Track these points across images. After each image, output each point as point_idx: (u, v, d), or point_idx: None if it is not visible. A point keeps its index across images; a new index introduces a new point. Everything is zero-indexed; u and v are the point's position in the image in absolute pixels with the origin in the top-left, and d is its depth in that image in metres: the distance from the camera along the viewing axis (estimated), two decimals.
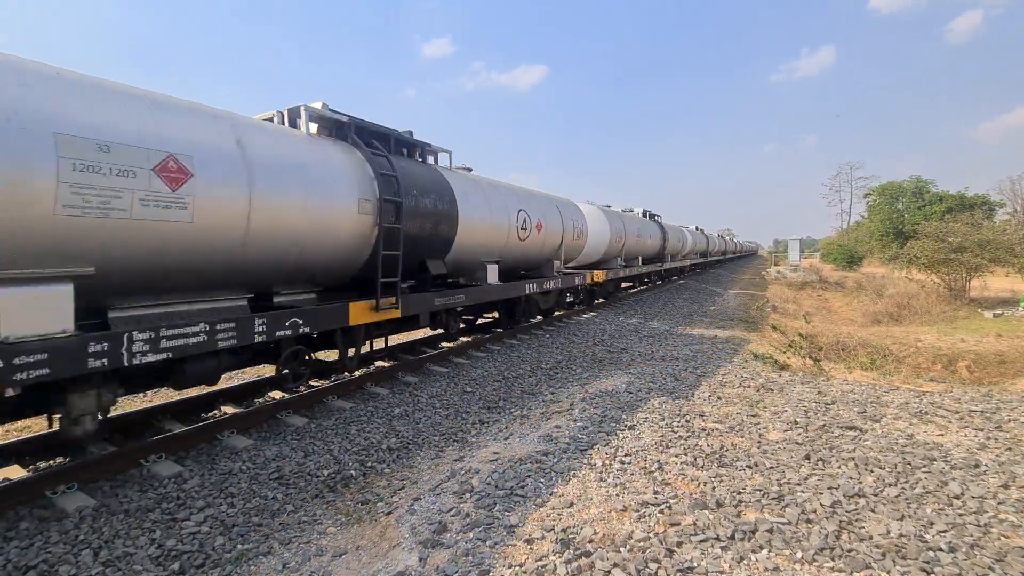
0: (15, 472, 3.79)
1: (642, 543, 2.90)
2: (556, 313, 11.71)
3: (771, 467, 3.88)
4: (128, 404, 5.58)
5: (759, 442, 4.39)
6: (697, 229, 32.30)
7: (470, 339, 9.02)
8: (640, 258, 17.33)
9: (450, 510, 3.34)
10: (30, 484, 3.51)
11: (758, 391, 5.99)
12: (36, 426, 4.92)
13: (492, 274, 8.19)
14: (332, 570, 2.85)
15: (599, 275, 12.79)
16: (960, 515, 3.19)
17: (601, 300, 14.56)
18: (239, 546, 3.09)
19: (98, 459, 3.90)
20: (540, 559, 2.79)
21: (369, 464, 4.24)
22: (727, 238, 54.74)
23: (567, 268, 11.67)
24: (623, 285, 17.72)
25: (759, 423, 4.87)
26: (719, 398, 5.71)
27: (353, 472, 4.09)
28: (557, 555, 2.82)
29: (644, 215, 19.57)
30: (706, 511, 3.23)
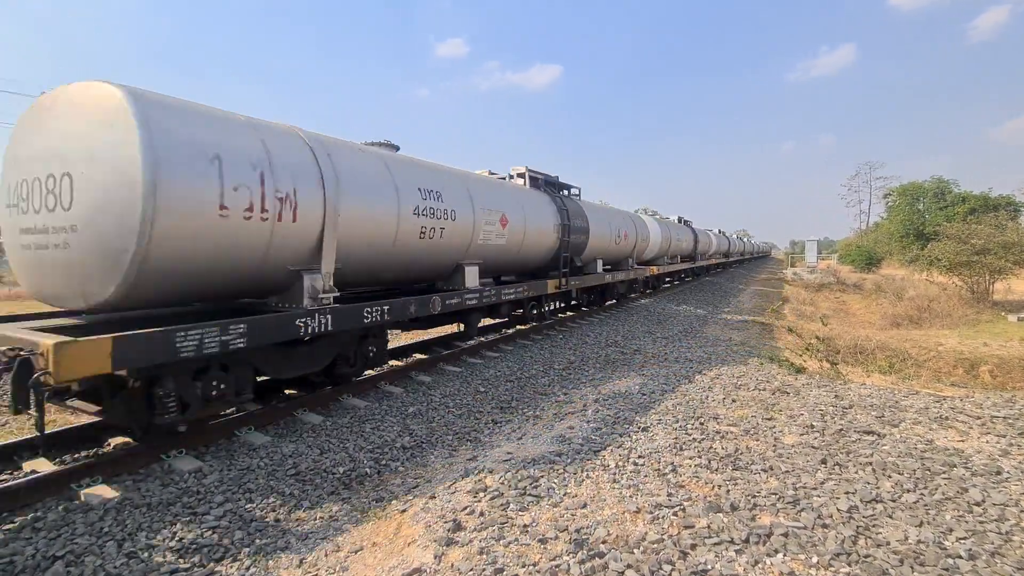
0: (43, 466, 3.90)
1: (656, 545, 2.90)
2: (624, 298, 14.93)
3: (787, 471, 3.84)
4: None
5: (774, 446, 4.36)
6: (719, 232, 33.13)
7: (509, 331, 9.11)
8: (678, 257, 21.22)
9: (464, 509, 3.37)
10: (57, 477, 3.62)
11: (773, 394, 5.93)
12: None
13: (599, 266, 12.21)
14: (349, 565, 2.89)
15: (654, 270, 16.59)
16: (980, 522, 3.13)
17: (651, 290, 18.18)
18: (257, 540, 3.15)
19: (121, 454, 4.00)
20: (554, 559, 2.81)
21: (384, 462, 4.29)
22: (744, 239, 54.32)
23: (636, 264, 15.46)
24: (665, 280, 20.83)
25: (774, 426, 4.83)
26: (734, 400, 5.67)
27: (368, 470, 4.14)
28: (571, 555, 2.83)
29: (679, 221, 22.82)
30: (720, 514, 3.22)
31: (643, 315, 12.95)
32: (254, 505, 3.54)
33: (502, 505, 3.39)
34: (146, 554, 2.97)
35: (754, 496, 3.45)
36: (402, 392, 6.12)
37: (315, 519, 3.41)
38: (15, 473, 3.86)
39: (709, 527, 3.07)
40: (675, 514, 3.22)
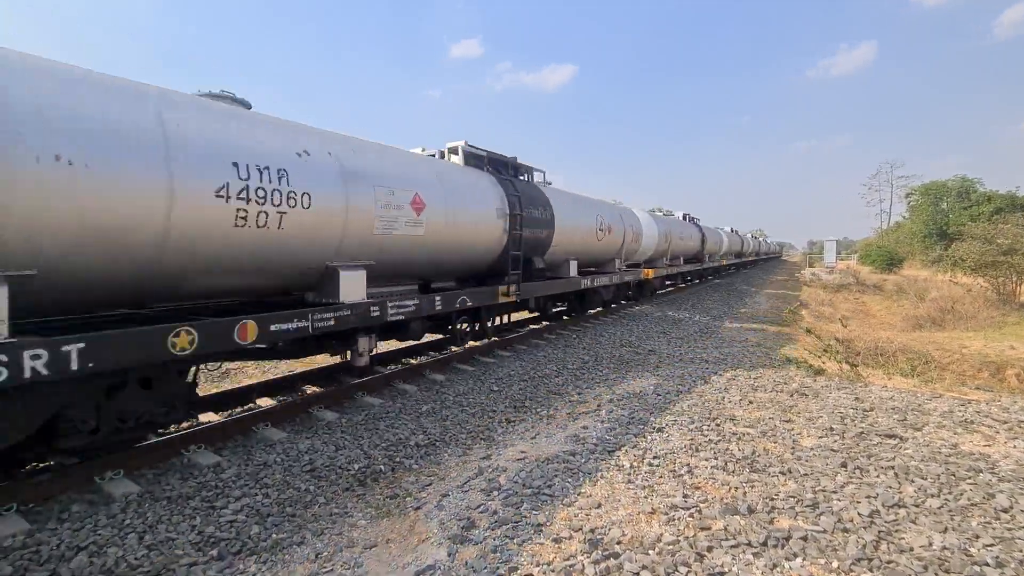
0: (68, 458, 3.98)
1: (671, 546, 2.88)
2: (612, 305, 13.03)
3: (805, 474, 3.78)
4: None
5: (793, 448, 4.29)
6: (732, 231, 31.99)
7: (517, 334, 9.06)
8: (682, 258, 18.77)
9: (478, 507, 3.37)
10: (81, 470, 3.70)
11: (792, 396, 5.84)
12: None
13: (573, 269, 9.96)
14: (363, 561, 2.91)
15: (648, 272, 14.30)
16: (1008, 529, 3.05)
17: (648, 295, 15.88)
18: (274, 535, 3.18)
19: (142, 448, 4.08)
20: (568, 558, 2.79)
21: (398, 460, 4.31)
22: (760, 239, 53.62)
23: (625, 266, 13.28)
24: (666, 283, 18.91)
25: (793, 429, 4.75)
26: (751, 402, 5.59)
27: (382, 467, 4.17)
28: (585, 555, 2.81)
29: (684, 218, 20.71)
30: (737, 516, 3.17)
31: (642, 321, 12.62)
32: (271, 500, 3.58)
33: (515, 504, 3.38)
34: (166, 546, 3.02)
35: (772, 499, 3.40)
36: (416, 390, 6.14)
37: (330, 515, 3.44)
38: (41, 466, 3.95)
39: (726, 529, 3.03)
40: (691, 516, 3.19)
